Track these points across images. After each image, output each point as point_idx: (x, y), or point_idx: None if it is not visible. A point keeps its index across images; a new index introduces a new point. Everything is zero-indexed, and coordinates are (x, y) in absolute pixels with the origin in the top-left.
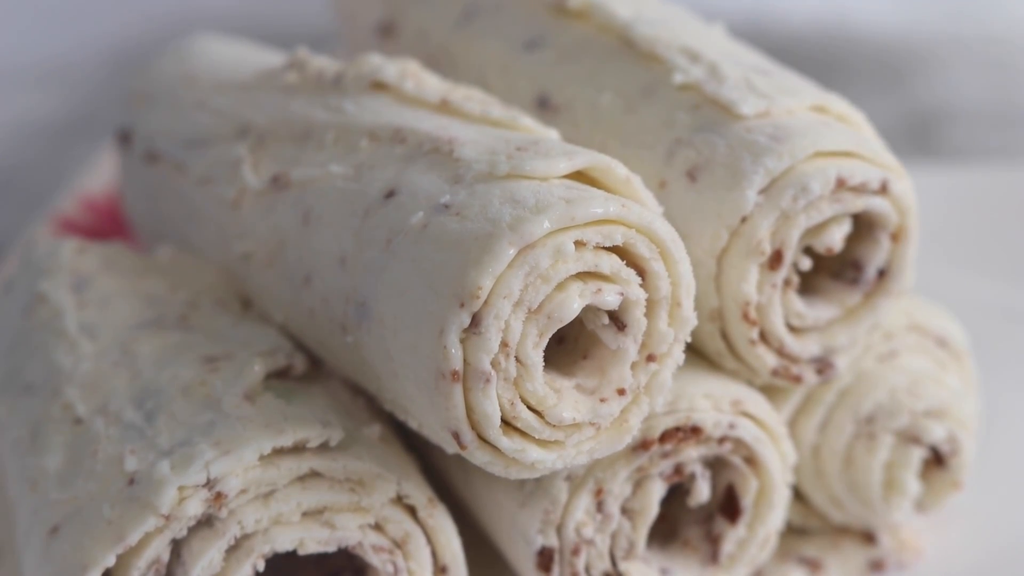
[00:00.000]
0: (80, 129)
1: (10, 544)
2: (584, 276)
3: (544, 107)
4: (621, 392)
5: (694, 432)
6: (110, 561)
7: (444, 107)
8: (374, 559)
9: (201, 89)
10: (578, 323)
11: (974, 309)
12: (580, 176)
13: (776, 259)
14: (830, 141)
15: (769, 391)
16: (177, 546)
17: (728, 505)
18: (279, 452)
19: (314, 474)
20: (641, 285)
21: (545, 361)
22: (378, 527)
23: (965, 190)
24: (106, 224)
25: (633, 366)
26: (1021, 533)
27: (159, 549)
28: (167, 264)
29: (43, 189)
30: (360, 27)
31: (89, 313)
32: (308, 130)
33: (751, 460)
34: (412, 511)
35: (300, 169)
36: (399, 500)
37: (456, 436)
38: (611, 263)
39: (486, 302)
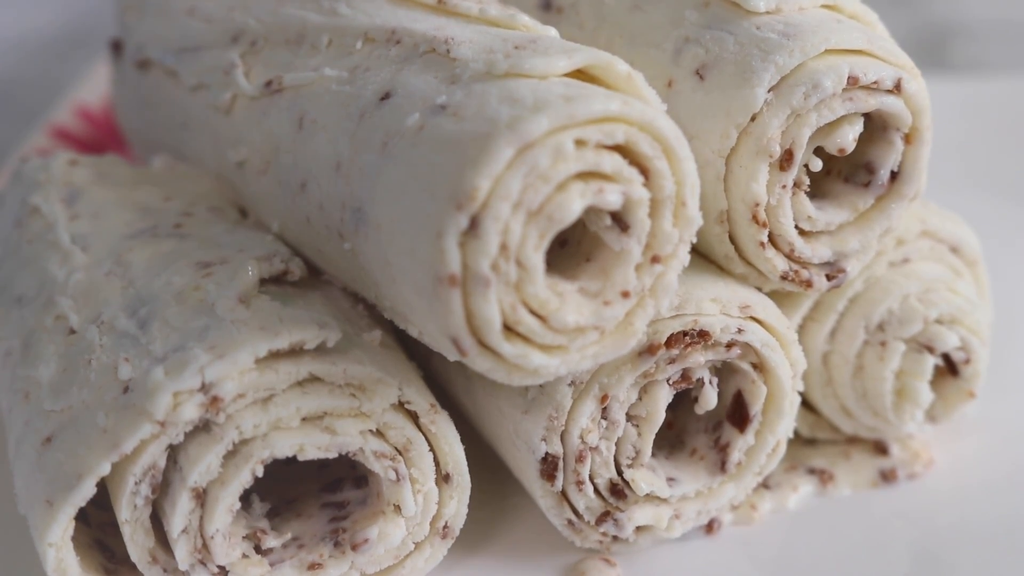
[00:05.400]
0: (77, 42)
1: (2, 455)
2: (585, 176)
3: (547, 9)
4: (625, 295)
5: (701, 336)
6: (105, 469)
7: (440, 7)
8: (376, 466)
9: None
10: (580, 225)
11: (987, 220)
12: (580, 74)
13: (787, 159)
14: (842, 38)
15: (778, 297)
16: (174, 452)
17: (736, 412)
18: (276, 356)
19: (313, 378)
20: (644, 184)
21: (547, 265)
22: (379, 433)
23: (976, 103)
24: (102, 134)
25: (637, 268)
26: None
27: (155, 455)
28: (161, 174)
29: (40, 102)
30: None
31: (82, 224)
32: (302, 34)
33: (760, 366)
34: (414, 417)
35: (294, 73)
36: (401, 406)
37: (456, 342)
38: (613, 162)
39: (484, 204)
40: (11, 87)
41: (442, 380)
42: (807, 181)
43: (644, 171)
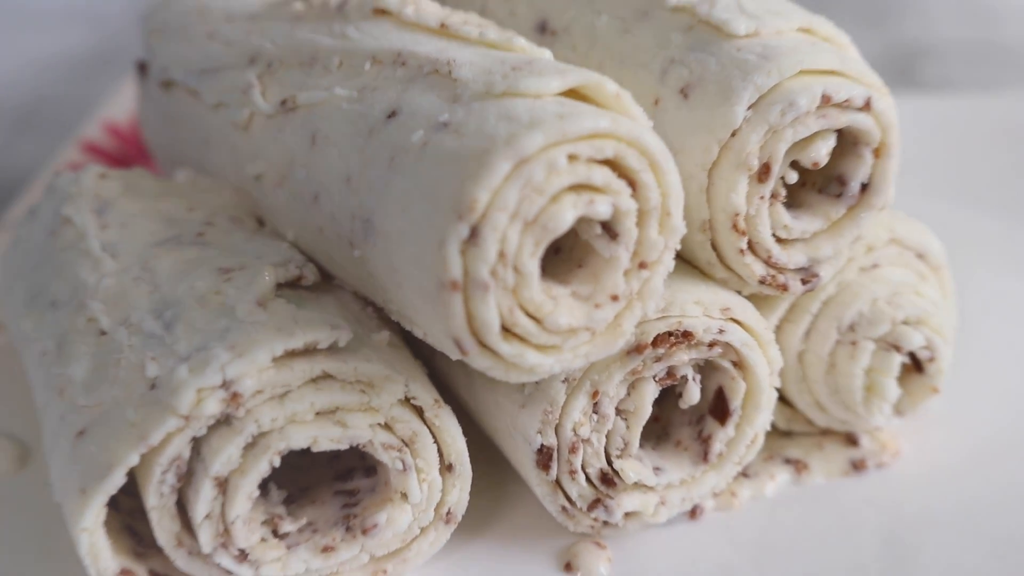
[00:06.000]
0: (105, 62)
1: (40, 447)
2: (577, 188)
3: (543, 32)
4: (615, 298)
5: (685, 336)
6: (134, 460)
7: (443, 31)
8: (384, 457)
9: (213, 20)
10: (573, 233)
11: (951, 228)
12: (573, 93)
13: (764, 172)
14: (816, 60)
15: (757, 300)
16: (197, 444)
17: (718, 407)
18: (292, 354)
19: (326, 376)
20: (632, 196)
21: (542, 270)
22: (387, 426)
23: (942, 119)
24: (130, 149)
25: (626, 273)
26: (994, 436)
27: (180, 447)
28: (185, 186)
29: (71, 118)
30: None
31: (111, 234)
32: (314, 55)
33: (739, 364)
34: (419, 411)
35: (307, 93)
36: (407, 401)
37: (458, 343)
38: (603, 175)
39: (483, 214)
40: (44, 104)
41: (445, 377)
42: (783, 192)
43: (632, 183)
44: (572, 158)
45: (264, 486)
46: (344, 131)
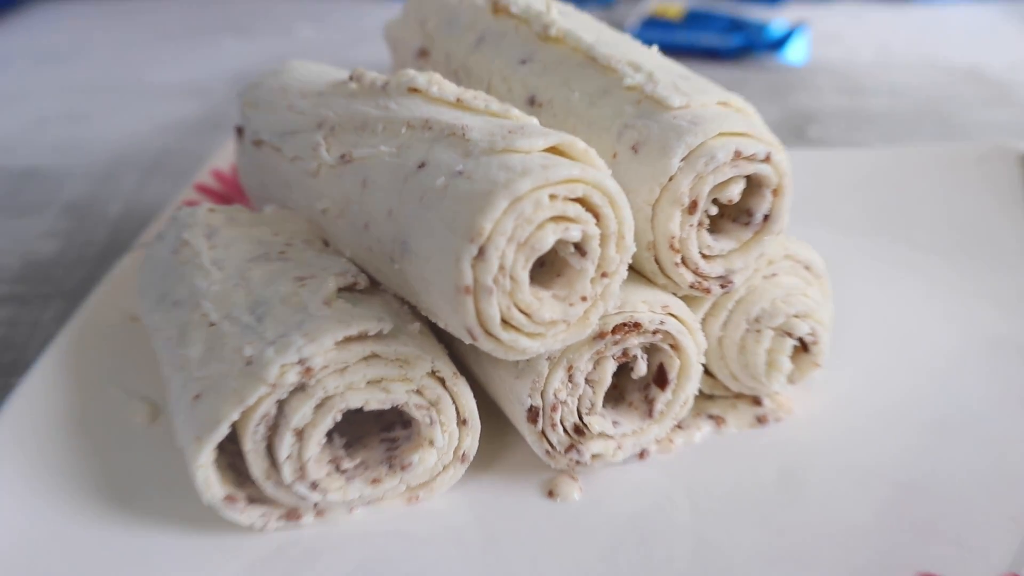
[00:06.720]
0: (212, 126)
1: (166, 407)
2: (556, 219)
3: (532, 104)
4: (584, 299)
5: (636, 326)
6: (235, 416)
7: (458, 104)
8: (416, 414)
9: (291, 96)
10: (553, 251)
11: (829, 248)
12: (553, 150)
13: (693, 206)
14: (731, 125)
15: (688, 299)
16: (281, 404)
17: (659, 377)
18: (349, 339)
19: (374, 355)
20: (596, 224)
21: (531, 279)
22: (419, 392)
23: (823, 167)
24: (230, 190)
25: (592, 281)
26: (858, 398)
27: (268, 407)
28: (271, 217)
29: (189, 167)
30: (404, 52)
31: (218, 252)
32: (365, 122)
33: (675, 346)
34: (442, 381)
35: (359, 149)
36: (433, 374)
37: (470, 332)
38: (575, 209)
39: (488, 239)
40: (168, 157)
41: (461, 356)
42: (707, 221)
43: (596, 215)
44: (553, 197)
45: (329, 435)
46: (387, 178)
